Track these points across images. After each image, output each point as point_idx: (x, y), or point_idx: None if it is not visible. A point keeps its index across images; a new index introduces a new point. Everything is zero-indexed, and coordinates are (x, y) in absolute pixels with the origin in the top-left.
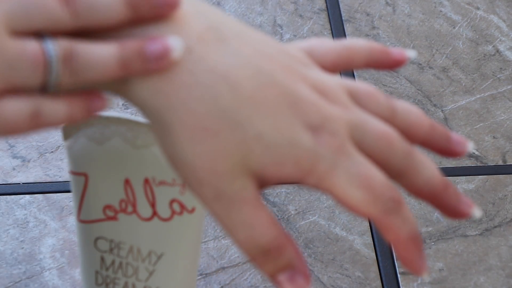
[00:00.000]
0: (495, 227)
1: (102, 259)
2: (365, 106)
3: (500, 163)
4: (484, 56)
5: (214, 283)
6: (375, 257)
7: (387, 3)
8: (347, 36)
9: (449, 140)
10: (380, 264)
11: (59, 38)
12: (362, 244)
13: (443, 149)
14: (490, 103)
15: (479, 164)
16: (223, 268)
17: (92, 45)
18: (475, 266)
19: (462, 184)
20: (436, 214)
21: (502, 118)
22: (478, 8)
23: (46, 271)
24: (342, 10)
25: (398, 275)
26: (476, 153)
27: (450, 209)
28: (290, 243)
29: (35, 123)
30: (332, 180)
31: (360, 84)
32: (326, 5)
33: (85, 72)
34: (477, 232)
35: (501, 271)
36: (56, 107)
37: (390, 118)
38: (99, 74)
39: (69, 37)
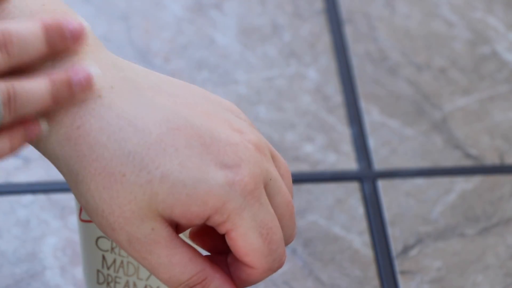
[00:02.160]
0: (493, 226)
1: (104, 258)
2: (282, 177)
3: (498, 163)
4: (482, 57)
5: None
6: (374, 257)
7: (386, 4)
8: (347, 37)
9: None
10: (379, 264)
11: None
12: (361, 243)
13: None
14: (488, 104)
15: (477, 164)
16: None
17: (26, 82)
18: (473, 265)
19: (460, 184)
20: (435, 213)
21: (500, 118)
22: (476, 9)
23: (48, 270)
24: (341, 11)
25: (397, 275)
26: (474, 153)
27: (236, 273)
28: (214, 275)
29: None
30: (236, 221)
31: (280, 156)
32: (326, 6)
33: (24, 109)
34: (475, 231)
35: (498, 270)
36: (1, 144)
37: (283, 211)
38: (35, 109)
39: (4, 77)
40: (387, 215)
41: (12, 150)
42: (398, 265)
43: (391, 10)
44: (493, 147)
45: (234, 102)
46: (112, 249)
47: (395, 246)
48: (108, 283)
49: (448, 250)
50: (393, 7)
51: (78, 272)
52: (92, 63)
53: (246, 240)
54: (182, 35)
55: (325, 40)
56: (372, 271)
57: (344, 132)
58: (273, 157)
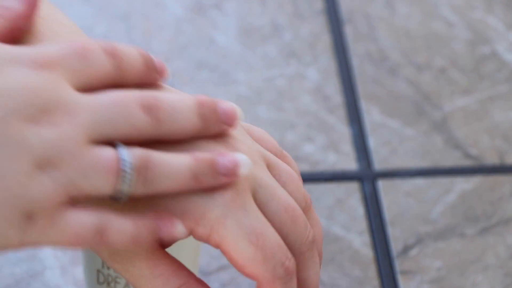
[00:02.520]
0: (493, 226)
1: None
2: (283, 184)
3: (498, 163)
4: (482, 57)
5: (215, 282)
6: (374, 257)
7: (386, 4)
8: (347, 37)
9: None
10: (379, 263)
11: (134, 147)
12: (361, 243)
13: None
14: (488, 104)
15: (477, 164)
16: (223, 267)
17: (166, 155)
18: (473, 265)
19: (460, 184)
20: (435, 213)
21: (500, 118)
22: (476, 9)
23: (48, 270)
24: (341, 11)
25: (397, 274)
26: (474, 153)
27: None
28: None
29: (99, 239)
30: (222, 232)
31: (283, 164)
32: (326, 6)
33: (159, 183)
34: (475, 231)
35: (498, 270)
36: (122, 225)
37: (303, 210)
38: (172, 185)
39: (144, 147)
40: (387, 215)
41: (134, 241)
42: (398, 265)
43: (391, 10)
44: (493, 147)
45: (234, 102)
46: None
47: (395, 246)
48: (108, 283)
49: (448, 250)
50: (393, 7)
51: (79, 272)
52: (243, 153)
53: (237, 250)
54: (182, 35)
55: (325, 40)
56: (372, 271)
57: (344, 132)
58: (271, 165)
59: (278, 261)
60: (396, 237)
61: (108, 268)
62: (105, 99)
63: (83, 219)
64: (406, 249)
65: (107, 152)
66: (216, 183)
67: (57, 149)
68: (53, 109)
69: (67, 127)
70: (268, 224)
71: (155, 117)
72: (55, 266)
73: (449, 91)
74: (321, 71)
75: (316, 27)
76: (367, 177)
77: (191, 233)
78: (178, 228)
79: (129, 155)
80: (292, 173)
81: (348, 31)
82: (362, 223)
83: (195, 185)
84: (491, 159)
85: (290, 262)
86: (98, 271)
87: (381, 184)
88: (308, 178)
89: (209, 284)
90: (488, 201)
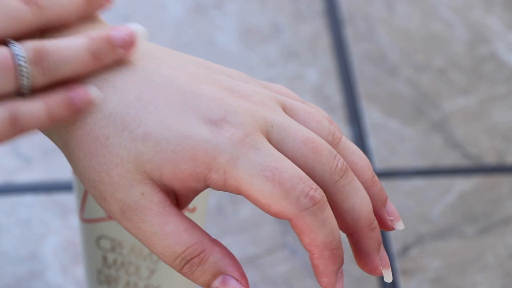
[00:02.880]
0: (492, 226)
1: (104, 257)
2: (303, 122)
3: (497, 163)
4: (481, 57)
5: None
6: None
7: (386, 4)
8: (347, 37)
9: (384, 205)
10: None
11: (26, 41)
12: None
13: (374, 210)
14: (488, 104)
15: (476, 164)
16: None
17: (60, 41)
18: (472, 265)
19: (460, 184)
20: (434, 213)
21: (500, 118)
22: (475, 10)
23: (48, 270)
24: (341, 11)
25: (397, 274)
26: (474, 153)
27: (361, 255)
28: (214, 248)
29: (15, 128)
30: (237, 174)
31: (301, 104)
32: (326, 6)
33: (58, 69)
34: (474, 231)
35: (497, 270)
36: (34, 108)
37: (330, 144)
38: (73, 69)
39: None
40: None
41: (51, 119)
42: (398, 265)
43: (391, 11)
44: (493, 147)
45: None
46: (113, 248)
47: (395, 246)
48: (108, 283)
49: (447, 250)
50: (393, 7)
51: (79, 271)
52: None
53: (255, 190)
54: (183, 35)
55: (325, 40)
56: None
57: (344, 132)
58: (287, 107)
59: (301, 192)
60: (396, 237)
61: (109, 267)
62: None
63: None
64: (406, 249)
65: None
66: (115, 57)
67: None
68: None
69: None
70: (283, 158)
71: (36, 4)
72: (56, 266)
73: (449, 91)
74: (321, 71)
75: (316, 27)
76: None
77: (205, 181)
78: (92, 91)
79: (21, 48)
80: (311, 111)
81: (348, 31)
82: None
83: (95, 64)
84: (491, 159)
85: (316, 192)
86: (99, 271)
87: (381, 184)
88: None
89: None
90: (487, 201)
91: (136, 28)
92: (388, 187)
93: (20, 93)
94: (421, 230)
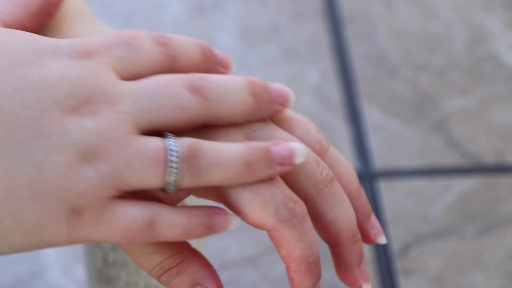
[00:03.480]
0: (492, 226)
1: (105, 257)
2: (290, 129)
3: (497, 163)
4: (481, 58)
5: None
6: (374, 256)
7: (386, 4)
8: (346, 37)
9: (368, 218)
10: (379, 263)
11: (183, 137)
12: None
13: (358, 223)
14: (487, 104)
15: (476, 164)
16: (224, 266)
17: (217, 144)
18: (472, 265)
19: (460, 184)
20: (434, 213)
21: (499, 118)
22: (475, 10)
23: (49, 270)
24: (341, 11)
25: (397, 274)
26: (474, 153)
27: (341, 267)
28: (193, 259)
29: (150, 233)
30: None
31: (289, 111)
32: (326, 6)
33: (209, 173)
34: (474, 231)
35: (497, 270)
36: (174, 218)
37: (317, 153)
38: (224, 176)
39: (193, 135)
40: (387, 214)
41: (186, 234)
42: (397, 264)
43: (391, 11)
44: (492, 147)
45: None
46: (113, 248)
47: (395, 246)
48: (109, 283)
49: (447, 250)
50: (393, 7)
51: (79, 271)
52: (297, 140)
53: (234, 200)
54: (183, 35)
55: (325, 40)
56: (372, 271)
57: (343, 132)
58: (281, 120)
59: (280, 203)
60: (396, 237)
61: (109, 267)
62: (148, 83)
63: (133, 213)
64: (406, 249)
65: (153, 142)
66: (270, 172)
67: (101, 140)
68: (95, 99)
69: (110, 116)
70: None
71: (203, 96)
72: (56, 265)
73: (449, 91)
74: (321, 71)
75: (316, 27)
76: (366, 177)
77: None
78: (232, 223)
79: (177, 144)
80: (300, 119)
81: (348, 31)
82: None
83: (248, 175)
84: (490, 159)
85: (296, 204)
86: (99, 270)
87: (381, 184)
88: None
89: None
90: (487, 200)
91: (296, 147)
92: (387, 187)
93: (163, 190)
94: (420, 230)
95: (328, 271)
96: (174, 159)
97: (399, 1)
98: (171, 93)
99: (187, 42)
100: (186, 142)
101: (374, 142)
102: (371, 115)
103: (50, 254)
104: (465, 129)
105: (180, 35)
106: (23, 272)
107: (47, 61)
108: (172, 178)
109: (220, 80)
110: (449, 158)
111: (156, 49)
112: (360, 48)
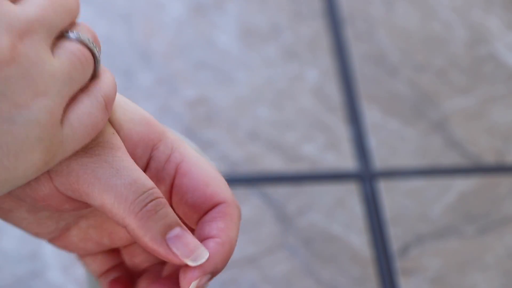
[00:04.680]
0: (491, 226)
1: None
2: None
3: (496, 163)
4: (481, 58)
5: (215, 281)
6: (374, 256)
7: (386, 4)
8: (347, 37)
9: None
10: (379, 263)
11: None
12: (361, 243)
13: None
14: (487, 104)
15: (475, 164)
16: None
17: None
18: (471, 264)
19: (459, 184)
20: (434, 213)
21: (499, 118)
22: (475, 10)
23: (49, 270)
24: (341, 11)
25: (397, 274)
26: (473, 153)
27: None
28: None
29: (108, 111)
30: (184, 150)
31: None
32: (326, 6)
33: None
34: (473, 231)
35: (497, 269)
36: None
37: None
38: None
39: None
40: (387, 214)
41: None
42: (398, 264)
43: (391, 11)
44: (492, 147)
45: (234, 102)
46: None
47: (395, 246)
48: None
49: (447, 250)
50: (393, 7)
51: (79, 271)
52: None
53: (197, 169)
54: (183, 35)
55: (325, 40)
56: (372, 271)
57: (343, 131)
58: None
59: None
60: (395, 237)
61: None
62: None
63: (88, 104)
64: (405, 249)
65: (72, 45)
66: None
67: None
68: None
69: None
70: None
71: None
72: (56, 266)
73: (448, 91)
74: (321, 71)
75: (316, 27)
76: (366, 177)
77: (152, 153)
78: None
79: (85, 34)
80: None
81: (348, 31)
82: (361, 223)
83: None
84: (490, 159)
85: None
86: None
87: (381, 183)
88: (308, 177)
89: (210, 282)
90: (486, 200)
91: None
92: (387, 187)
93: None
94: (420, 230)
95: (328, 271)
96: (94, 48)
97: (399, 1)
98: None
99: None
100: (84, 28)
101: (374, 142)
102: (371, 115)
103: (50, 255)
104: (465, 129)
105: None
106: (23, 272)
107: None
108: (97, 62)
109: None
110: (449, 158)
111: None
112: (360, 48)
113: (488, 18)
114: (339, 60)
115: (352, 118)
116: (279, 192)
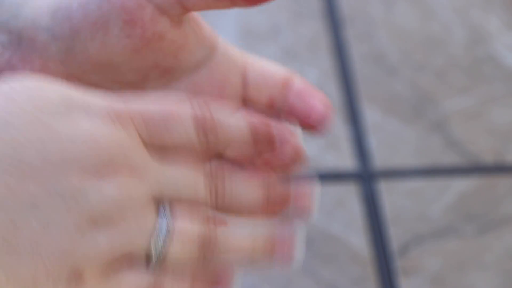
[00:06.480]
0: (491, 226)
1: None
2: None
3: (496, 163)
4: (480, 58)
5: None
6: (373, 256)
7: (386, 4)
8: (347, 37)
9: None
10: (379, 263)
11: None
12: (361, 243)
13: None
14: (487, 104)
15: (475, 164)
16: None
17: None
18: (471, 264)
19: (459, 184)
20: (433, 213)
21: (499, 118)
22: (475, 10)
23: None
24: (341, 11)
25: (397, 274)
26: (473, 153)
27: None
28: None
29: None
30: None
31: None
32: (326, 7)
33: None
34: (473, 230)
35: (496, 269)
36: (177, 285)
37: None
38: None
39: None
40: (387, 214)
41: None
42: (397, 264)
43: (391, 11)
44: (491, 147)
45: None
46: None
47: (395, 246)
48: None
49: (446, 249)
50: (392, 7)
51: None
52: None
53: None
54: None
55: (325, 41)
56: (371, 270)
57: (343, 131)
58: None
59: None
60: (395, 237)
61: None
62: (174, 168)
63: (136, 280)
64: (405, 249)
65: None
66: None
67: (117, 207)
68: (118, 165)
69: (130, 184)
70: None
71: (220, 196)
72: None
73: (448, 91)
74: (321, 71)
75: (316, 27)
76: (366, 177)
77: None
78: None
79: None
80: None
81: (348, 31)
82: (361, 223)
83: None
84: (489, 159)
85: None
86: None
87: (381, 183)
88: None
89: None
90: (486, 200)
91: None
92: (387, 186)
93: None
94: (420, 230)
95: (326, 271)
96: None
97: (399, 1)
98: (191, 185)
99: (237, 134)
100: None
101: (373, 142)
102: (370, 115)
103: None
104: (464, 129)
105: (234, 120)
106: None
107: (77, 117)
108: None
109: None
110: (449, 158)
111: (193, 134)
112: (360, 48)
113: (488, 18)
114: (339, 60)
115: (352, 118)
116: None
